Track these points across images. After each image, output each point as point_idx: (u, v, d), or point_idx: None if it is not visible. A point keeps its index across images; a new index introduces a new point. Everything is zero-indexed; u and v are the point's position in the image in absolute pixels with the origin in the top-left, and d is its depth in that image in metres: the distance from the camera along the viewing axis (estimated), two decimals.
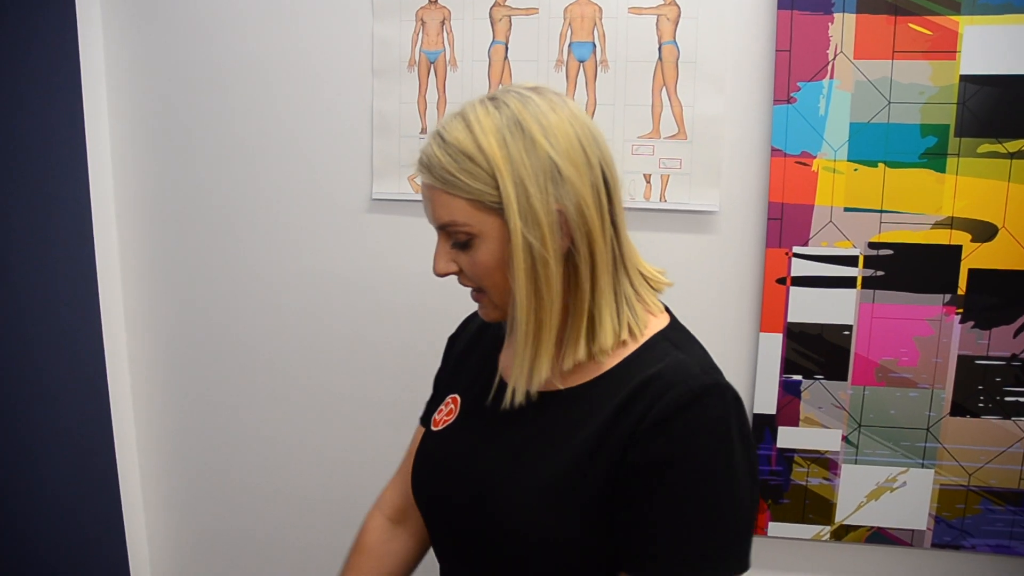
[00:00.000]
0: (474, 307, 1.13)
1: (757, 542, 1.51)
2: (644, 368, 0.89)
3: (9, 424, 1.47)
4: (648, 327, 0.94)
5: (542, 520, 0.89)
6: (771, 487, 1.52)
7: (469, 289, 0.98)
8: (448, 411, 1.07)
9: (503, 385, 0.99)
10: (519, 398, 0.92)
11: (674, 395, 0.85)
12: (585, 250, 0.89)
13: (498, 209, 0.87)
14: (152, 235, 1.72)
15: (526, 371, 0.91)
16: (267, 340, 1.70)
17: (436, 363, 1.22)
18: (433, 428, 1.08)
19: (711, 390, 0.86)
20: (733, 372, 1.48)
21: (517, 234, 0.86)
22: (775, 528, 1.53)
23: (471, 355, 1.12)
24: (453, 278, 0.97)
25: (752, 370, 1.50)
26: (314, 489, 1.75)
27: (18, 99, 1.46)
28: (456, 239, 0.91)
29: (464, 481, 0.97)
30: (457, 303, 1.40)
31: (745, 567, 0.87)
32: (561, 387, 0.94)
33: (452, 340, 1.20)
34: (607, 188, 0.90)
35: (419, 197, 1.55)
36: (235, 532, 1.81)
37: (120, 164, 1.69)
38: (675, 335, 0.94)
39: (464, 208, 0.88)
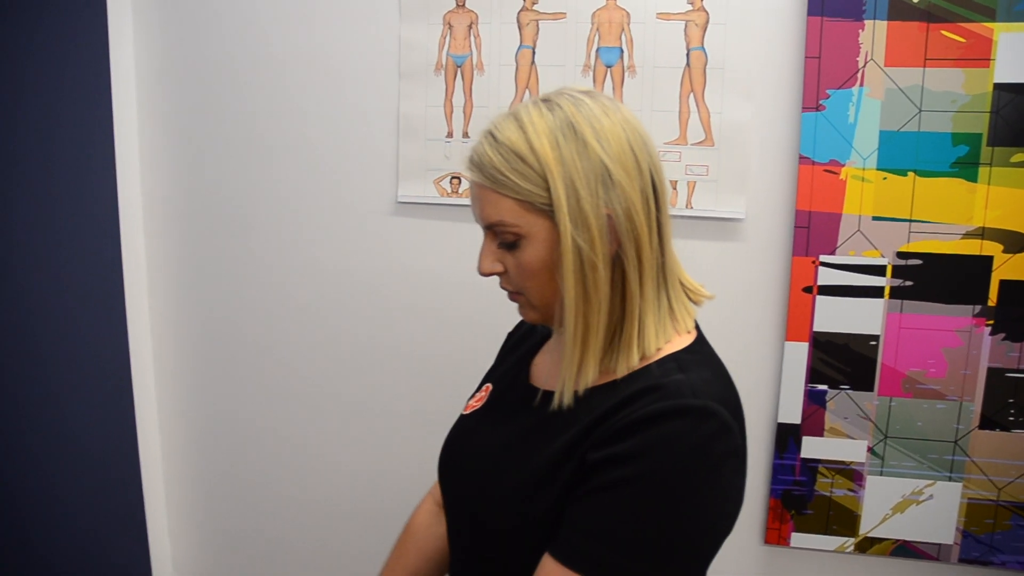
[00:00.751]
0: (509, 312, 1.14)
1: (781, 552, 1.50)
2: (640, 383, 0.87)
3: (33, 425, 1.49)
4: (668, 345, 0.92)
5: (512, 510, 0.90)
6: (795, 497, 1.50)
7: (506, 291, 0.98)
8: (479, 398, 1.10)
9: (526, 384, 1.02)
10: (567, 399, 0.91)
11: (650, 407, 0.83)
12: (633, 255, 0.88)
13: (547, 211, 0.87)
14: (178, 236, 1.73)
15: (574, 372, 0.91)
16: (290, 342, 1.71)
17: (461, 366, 1.23)
18: (464, 412, 1.11)
19: (690, 411, 0.83)
20: (757, 381, 1.48)
21: (567, 236, 0.86)
22: (798, 539, 1.52)
23: (515, 351, 1.14)
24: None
25: (777, 379, 1.48)
26: (336, 493, 1.76)
27: (49, 101, 1.48)
28: (503, 239, 0.91)
29: (468, 464, 1.01)
30: (482, 307, 1.41)
31: None
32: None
33: (509, 336, 1.22)
34: (655, 194, 0.90)
35: (444, 200, 1.56)
36: (256, 535, 1.83)
37: (147, 166, 1.71)
38: (687, 357, 0.91)
39: (513, 208, 0.88)
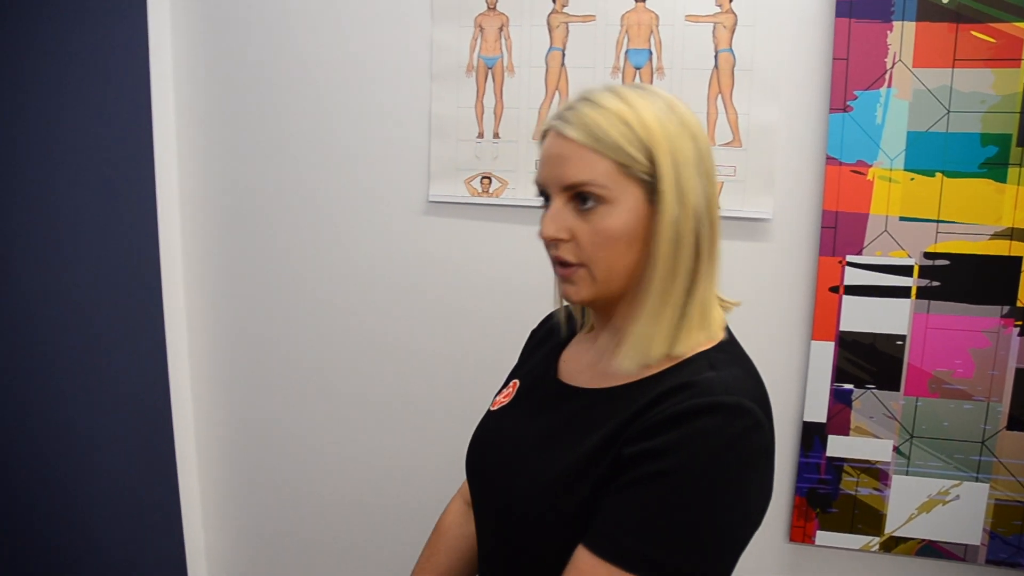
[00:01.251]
0: (539, 311, 1.16)
1: (806, 550, 1.51)
2: (673, 380, 0.89)
3: (70, 419, 1.53)
4: (700, 344, 0.94)
5: (545, 504, 0.92)
6: (820, 496, 1.51)
7: (554, 266, 0.98)
8: (506, 395, 1.12)
9: (555, 381, 1.04)
10: (631, 365, 0.92)
11: (684, 404, 0.85)
12: (707, 243, 0.92)
13: (642, 180, 0.89)
14: (213, 234, 1.78)
15: (643, 344, 0.92)
16: (321, 339, 1.75)
17: (491, 365, 1.25)
18: (491, 408, 1.13)
19: (723, 408, 0.84)
20: (783, 380, 1.49)
21: (670, 207, 0.89)
22: (823, 537, 1.52)
23: (540, 348, 1.16)
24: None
25: (803, 378, 1.49)
26: (367, 490, 1.79)
27: (88, 97, 1.52)
28: (583, 202, 0.91)
29: (498, 459, 1.03)
30: (511, 305, 1.43)
31: None
32: (598, 387, 0.97)
33: (532, 334, 1.23)
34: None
35: (475, 200, 1.59)
36: (289, 532, 1.87)
37: (184, 164, 1.75)
38: (718, 355, 0.93)
39: (608, 170, 0.89)
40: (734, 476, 0.84)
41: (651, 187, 0.89)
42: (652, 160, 0.89)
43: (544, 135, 0.96)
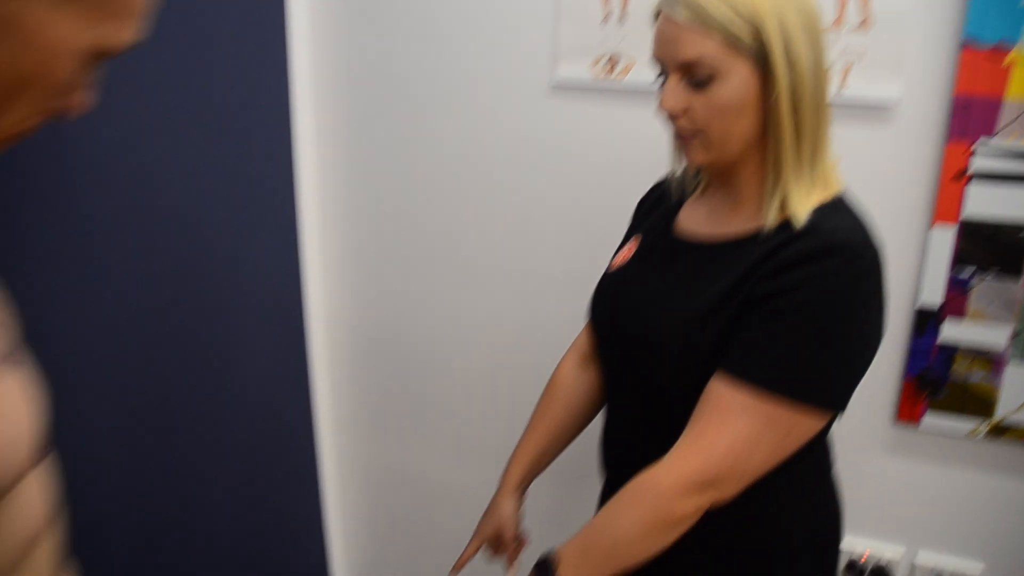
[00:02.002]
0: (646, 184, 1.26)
1: (910, 433, 1.55)
2: (796, 228, 0.99)
3: (209, 382, 1.62)
4: (820, 197, 1.03)
5: (680, 338, 1.04)
6: (930, 379, 1.54)
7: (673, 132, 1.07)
8: (628, 250, 1.22)
9: (676, 238, 1.14)
10: (762, 221, 1.03)
11: (809, 247, 0.96)
12: (818, 107, 1.00)
13: (751, 52, 0.96)
14: (345, 115, 1.87)
15: (776, 204, 1.01)
16: (448, 215, 1.84)
17: (611, 249, 1.34)
18: (611, 267, 1.24)
19: (845, 250, 0.95)
20: (899, 264, 1.51)
21: (779, 78, 0.96)
22: (929, 421, 1.56)
23: (654, 211, 1.26)
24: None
25: (919, 263, 1.50)
26: (488, 352, 1.92)
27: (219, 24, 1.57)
28: (696, 77, 0.98)
29: (629, 303, 1.14)
30: (636, 182, 1.49)
31: (828, 406, 0.99)
32: (721, 240, 1.07)
33: (641, 202, 1.34)
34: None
35: (599, 85, 1.63)
36: (418, 394, 2.03)
37: (317, 47, 1.84)
38: (837, 206, 1.03)
39: (717, 46, 0.96)
40: (853, 312, 0.96)
41: (761, 58, 0.96)
42: (759, 32, 0.94)
43: (656, 15, 1.02)
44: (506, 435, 1.93)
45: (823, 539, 1.19)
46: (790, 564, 1.15)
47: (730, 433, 0.97)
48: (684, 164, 1.20)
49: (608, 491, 1.28)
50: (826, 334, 0.95)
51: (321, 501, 2.05)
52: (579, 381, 1.37)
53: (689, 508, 1.00)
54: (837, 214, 1.01)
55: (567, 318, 1.70)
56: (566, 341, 1.46)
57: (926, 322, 1.51)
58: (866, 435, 1.62)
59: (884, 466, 1.63)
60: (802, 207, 1.00)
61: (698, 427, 1.00)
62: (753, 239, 1.03)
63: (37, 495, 0.72)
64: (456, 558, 1.39)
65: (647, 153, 1.59)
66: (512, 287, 1.85)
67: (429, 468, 2.07)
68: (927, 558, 1.65)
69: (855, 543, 1.67)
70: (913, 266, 1.51)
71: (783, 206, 1.01)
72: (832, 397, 0.99)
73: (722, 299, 1.01)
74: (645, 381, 1.12)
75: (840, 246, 0.95)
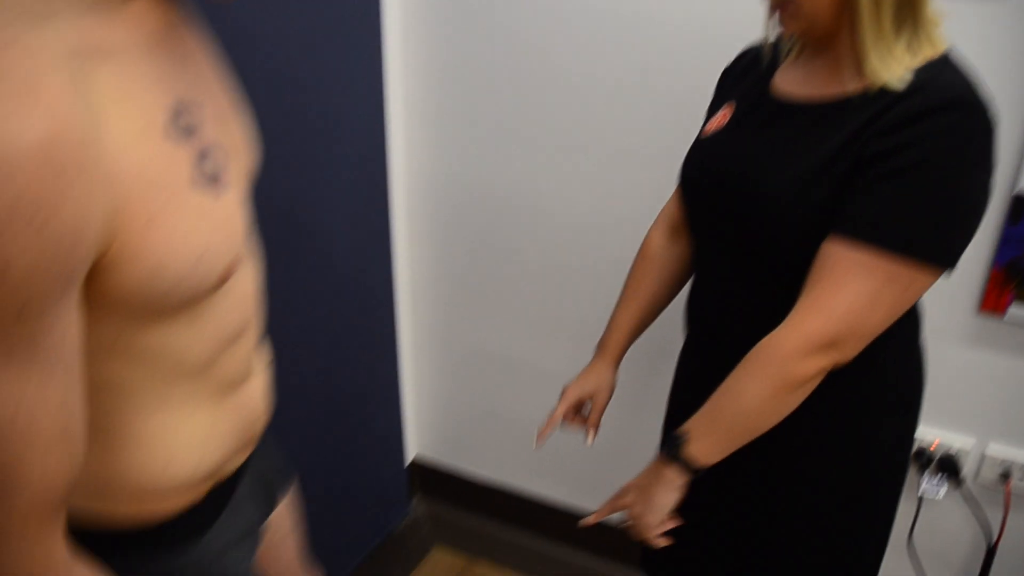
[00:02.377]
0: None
1: (995, 323, 1.53)
2: (907, 85, 0.98)
3: (296, 241, 1.66)
4: (928, 57, 1.01)
5: (791, 197, 1.04)
6: (1020, 269, 1.51)
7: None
8: (722, 116, 1.20)
9: (775, 101, 1.13)
10: (877, 81, 1.00)
11: (922, 100, 0.95)
12: None
13: None
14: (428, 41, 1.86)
15: (880, 65, 1.00)
16: (532, 83, 1.82)
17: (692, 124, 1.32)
18: (704, 133, 1.22)
19: (960, 103, 0.95)
20: (999, 146, 1.45)
21: None
22: (1015, 311, 1.53)
23: (745, 78, 1.23)
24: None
25: (1021, 147, 1.45)
26: (570, 226, 1.92)
27: None
28: None
29: (731, 167, 1.13)
30: (720, 55, 1.46)
31: (945, 263, 1.00)
32: (826, 101, 1.06)
33: (726, 72, 1.32)
34: None
35: None
36: (508, 251, 2.07)
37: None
38: (946, 63, 1.01)
39: None
40: (970, 168, 0.96)
41: None
42: None
43: None
44: (583, 314, 1.97)
45: (913, 396, 1.23)
46: (890, 417, 1.20)
47: (851, 293, 0.98)
48: (778, 32, 1.18)
49: (691, 347, 1.32)
50: (943, 191, 0.95)
51: (399, 369, 2.14)
52: (670, 252, 1.38)
53: (812, 369, 1.03)
54: (947, 71, 0.99)
55: (650, 195, 1.69)
56: (648, 220, 1.46)
57: (1022, 210, 1.47)
58: (947, 323, 1.60)
59: (962, 356, 1.61)
60: (887, 70, 0.99)
61: (816, 289, 1.01)
62: (859, 99, 1.02)
63: (250, 281, 0.87)
64: (530, 433, 1.42)
65: (734, 27, 1.55)
66: (595, 162, 1.84)
67: (503, 344, 2.12)
68: (997, 450, 1.65)
69: (924, 432, 1.68)
70: (1015, 151, 1.46)
71: (884, 65, 1.00)
72: (949, 255, 0.99)
73: (832, 157, 1.01)
74: (750, 240, 1.12)
75: (955, 102, 0.95)
